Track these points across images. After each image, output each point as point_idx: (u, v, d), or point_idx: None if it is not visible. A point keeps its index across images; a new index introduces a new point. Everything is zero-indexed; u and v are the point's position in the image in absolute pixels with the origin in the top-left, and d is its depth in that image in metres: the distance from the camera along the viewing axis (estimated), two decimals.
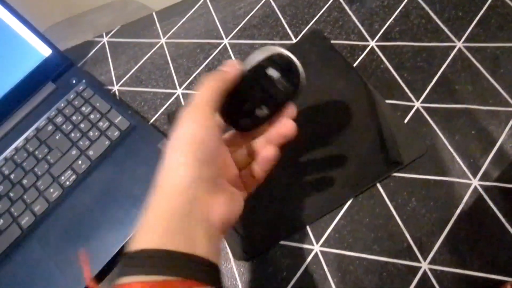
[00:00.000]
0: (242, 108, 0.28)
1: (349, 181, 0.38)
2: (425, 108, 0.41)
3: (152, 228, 0.23)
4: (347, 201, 0.38)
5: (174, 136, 0.25)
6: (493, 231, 0.34)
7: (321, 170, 0.39)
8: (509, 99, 0.39)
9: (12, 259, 0.40)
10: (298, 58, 0.46)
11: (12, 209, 0.42)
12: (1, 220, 0.42)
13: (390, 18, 0.47)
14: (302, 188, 0.38)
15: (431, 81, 0.42)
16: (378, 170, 0.38)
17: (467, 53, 0.43)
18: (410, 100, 0.42)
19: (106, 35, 0.56)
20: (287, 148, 0.40)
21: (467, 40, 0.44)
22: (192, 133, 0.24)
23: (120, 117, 0.46)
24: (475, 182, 0.36)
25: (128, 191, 0.42)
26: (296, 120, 0.42)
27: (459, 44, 0.44)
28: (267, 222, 0.38)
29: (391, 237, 0.35)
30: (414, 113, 0.41)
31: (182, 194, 0.23)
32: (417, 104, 0.41)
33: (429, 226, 0.35)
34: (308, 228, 0.37)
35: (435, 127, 0.40)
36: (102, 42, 0.55)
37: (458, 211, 0.35)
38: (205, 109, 0.25)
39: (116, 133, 0.45)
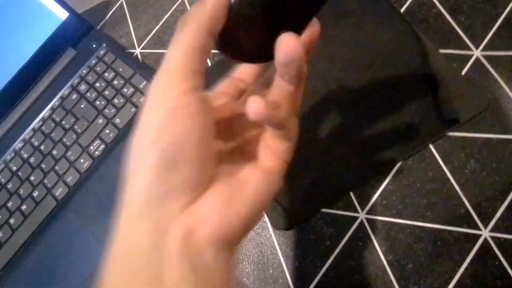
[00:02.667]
0: (251, 30, 0.19)
1: (398, 141, 0.34)
2: (486, 57, 0.35)
3: None
4: (395, 165, 0.34)
5: (136, 132, 0.18)
6: None
7: (366, 129, 0.35)
8: None
9: (49, 231, 0.40)
10: (335, 7, 0.41)
11: (46, 181, 0.42)
12: (37, 192, 0.42)
13: None
14: (345, 150, 0.35)
15: (493, 25, 0.36)
16: (431, 129, 0.34)
17: None
18: (468, 48, 0.36)
19: None
20: (327, 104, 0.38)
21: None
22: (157, 124, 0.17)
23: (145, 82, 0.43)
24: None
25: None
26: (337, 76, 0.38)
27: None
28: (306, 188, 0.35)
29: (447, 202, 0.32)
30: (473, 63, 0.36)
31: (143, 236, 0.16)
32: (477, 53, 0.36)
33: (490, 190, 0.31)
34: (352, 194, 0.34)
35: (498, 78, 0.35)
36: (120, 1, 0.51)
37: None
38: (178, 81, 0.17)
39: (142, 99, 0.43)
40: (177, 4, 0.48)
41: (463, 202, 0.32)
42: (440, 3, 0.38)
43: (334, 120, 0.36)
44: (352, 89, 0.37)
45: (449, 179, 0.33)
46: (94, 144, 0.42)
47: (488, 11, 0.37)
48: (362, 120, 0.36)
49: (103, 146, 0.42)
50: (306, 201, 0.35)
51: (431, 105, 0.34)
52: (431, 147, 0.34)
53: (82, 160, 0.42)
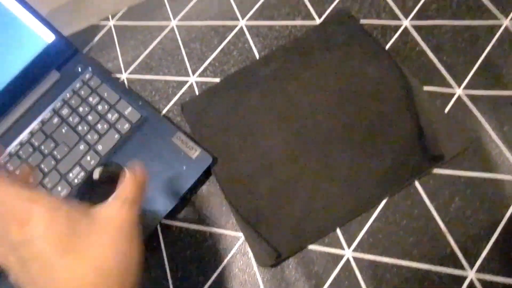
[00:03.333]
0: None
1: (384, 178, 0.34)
2: (468, 96, 0.36)
3: None
4: (381, 201, 0.34)
5: None
6: None
7: (351, 164, 0.35)
8: None
9: None
10: (323, 41, 0.42)
11: None
12: None
13: None
14: (331, 185, 0.35)
15: (474, 65, 0.38)
16: (416, 166, 0.34)
17: None
18: (450, 86, 0.37)
19: (112, 18, 0.51)
20: (313, 138, 0.38)
21: None
22: None
23: (130, 108, 0.43)
24: None
25: None
26: (323, 109, 0.39)
27: (507, 22, 0.39)
28: (293, 224, 0.35)
29: (433, 241, 0.32)
30: (455, 101, 0.36)
31: None
32: (459, 91, 0.37)
33: (475, 229, 0.32)
34: (338, 231, 0.34)
35: (480, 117, 0.35)
36: (108, 26, 0.51)
37: (508, 212, 0.32)
38: None
39: (126, 126, 0.42)
40: (166, 31, 0.48)
41: (449, 242, 0.32)
42: (424, 42, 0.40)
43: (320, 155, 0.36)
44: (337, 123, 0.37)
45: (434, 217, 0.33)
46: (74, 171, 0.41)
47: (469, 51, 0.38)
48: (348, 155, 0.36)
49: (83, 173, 0.40)
50: (293, 237, 0.34)
51: (416, 141, 0.35)
52: (417, 184, 0.34)
53: (59, 188, 0.40)
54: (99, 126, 0.42)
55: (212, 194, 0.38)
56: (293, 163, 0.37)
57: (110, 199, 0.26)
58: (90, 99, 0.44)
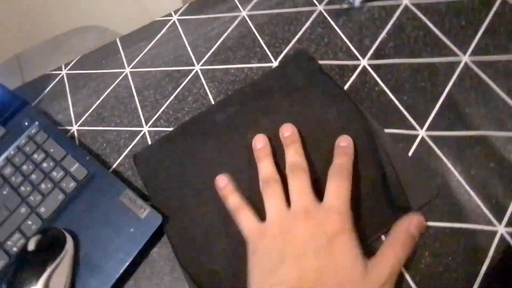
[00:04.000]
0: None
1: None
2: (431, 137, 0.34)
3: None
4: None
5: None
6: None
7: None
8: None
9: None
10: (282, 83, 0.40)
11: None
12: None
13: (382, 32, 0.41)
14: None
15: (436, 104, 0.36)
16: (381, 219, 0.31)
17: (475, 68, 0.37)
18: (413, 128, 0.35)
19: (65, 67, 0.49)
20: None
21: (474, 53, 0.37)
22: None
23: (77, 165, 0.39)
24: (501, 229, 0.30)
25: (86, 258, 0.35)
26: (279, 155, 0.36)
27: (465, 58, 0.37)
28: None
29: None
30: (419, 143, 0.34)
31: None
32: (422, 133, 0.35)
33: None
34: None
35: (445, 160, 0.33)
36: (60, 75, 0.49)
37: (483, 267, 0.29)
38: None
39: (72, 185, 0.38)
40: (119, 78, 0.46)
41: None
42: (383, 81, 0.38)
43: None
44: None
45: (404, 276, 0.29)
46: (13, 239, 0.37)
47: (429, 90, 0.37)
48: None
49: (22, 240, 0.37)
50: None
51: (380, 191, 0.32)
52: (383, 237, 0.31)
53: None
54: (43, 185, 0.39)
55: (163, 258, 0.35)
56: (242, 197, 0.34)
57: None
58: (35, 155, 0.41)
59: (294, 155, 0.34)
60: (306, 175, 0.32)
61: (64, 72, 0.49)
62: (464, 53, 0.38)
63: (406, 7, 0.42)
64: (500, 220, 0.30)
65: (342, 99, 0.37)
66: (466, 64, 0.37)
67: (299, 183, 0.31)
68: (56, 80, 0.49)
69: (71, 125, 0.44)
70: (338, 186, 0.30)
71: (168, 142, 0.40)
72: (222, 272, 0.32)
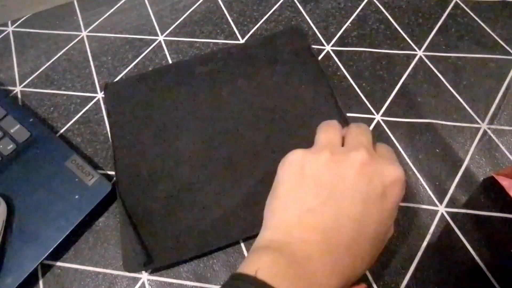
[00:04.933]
0: None
1: None
2: (386, 122, 0.36)
3: None
4: None
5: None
6: (463, 265, 0.29)
7: (260, 186, 0.32)
8: (473, 114, 0.36)
9: None
10: (269, 52, 0.40)
11: None
12: None
13: (347, 21, 0.42)
14: (232, 201, 0.32)
15: (391, 92, 0.38)
16: None
17: (428, 62, 0.39)
18: (370, 112, 0.37)
19: (12, 24, 0.45)
20: (231, 147, 0.34)
21: (428, 49, 0.40)
22: None
23: (18, 126, 0.36)
24: (441, 209, 0.32)
25: (21, 225, 0.32)
26: (249, 121, 0.35)
27: (420, 53, 0.40)
28: (179, 233, 0.31)
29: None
30: (374, 126, 0.36)
31: None
32: (378, 117, 0.36)
33: (392, 261, 0.30)
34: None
35: (397, 144, 0.35)
36: (6, 32, 0.44)
37: (424, 243, 0.30)
38: None
39: (11, 147, 0.35)
40: (74, 41, 0.43)
41: (366, 276, 0.29)
42: (344, 68, 0.39)
43: (231, 167, 0.33)
44: (258, 140, 0.35)
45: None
46: None
47: (386, 79, 0.38)
48: (259, 174, 0.33)
49: None
50: (174, 246, 0.30)
51: None
52: None
53: None
54: None
55: (110, 228, 0.33)
56: (200, 170, 0.34)
57: None
58: None
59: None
60: (369, 134, 0.27)
61: (10, 29, 0.45)
62: (420, 48, 0.40)
63: (370, 0, 0.43)
64: (441, 201, 0.32)
65: (322, 82, 0.37)
66: (420, 58, 0.39)
67: (364, 130, 0.27)
68: (0, 36, 0.44)
69: (15, 85, 0.41)
70: (386, 149, 0.27)
71: (142, 80, 0.39)
72: (156, 211, 0.32)
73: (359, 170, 0.23)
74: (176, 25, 0.43)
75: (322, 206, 0.22)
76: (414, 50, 0.40)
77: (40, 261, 0.30)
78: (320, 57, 0.40)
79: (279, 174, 0.25)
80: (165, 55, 0.41)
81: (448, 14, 0.42)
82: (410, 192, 0.32)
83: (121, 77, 0.40)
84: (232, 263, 0.30)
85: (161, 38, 0.43)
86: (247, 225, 0.31)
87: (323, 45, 0.41)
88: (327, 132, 0.27)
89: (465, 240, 0.30)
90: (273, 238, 0.22)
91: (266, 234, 0.23)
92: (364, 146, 0.24)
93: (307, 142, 0.28)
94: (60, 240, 0.31)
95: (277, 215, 0.24)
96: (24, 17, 0.45)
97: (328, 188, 0.23)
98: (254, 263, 0.20)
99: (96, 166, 0.35)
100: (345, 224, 0.22)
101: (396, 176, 0.23)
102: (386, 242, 0.25)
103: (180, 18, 0.44)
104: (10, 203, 0.32)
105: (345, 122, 0.35)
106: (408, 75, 0.38)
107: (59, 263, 0.31)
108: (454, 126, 0.35)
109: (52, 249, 0.31)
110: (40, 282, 0.31)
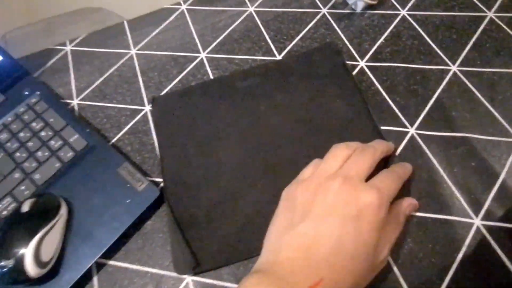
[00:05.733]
0: None
1: None
2: (420, 136, 0.37)
3: None
4: None
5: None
6: (499, 278, 0.30)
7: None
8: (509, 128, 0.36)
9: None
10: (305, 68, 0.42)
11: None
12: None
13: (380, 37, 0.44)
14: (273, 210, 0.33)
15: (425, 106, 0.38)
16: None
17: (463, 77, 0.40)
18: (404, 126, 0.38)
19: (70, 43, 0.50)
20: (270, 157, 0.36)
21: (462, 64, 0.41)
22: None
23: (77, 136, 0.40)
24: (477, 222, 0.32)
25: (79, 225, 0.35)
26: (287, 134, 0.37)
27: (454, 68, 0.40)
28: (224, 238, 0.33)
29: (385, 285, 0.30)
30: (408, 140, 0.37)
31: None
32: (412, 131, 0.37)
33: (428, 272, 0.30)
34: None
35: (431, 157, 0.36)
36: (64, 51, 0.49)
37: (460, 255, 0.31)
38: None
39: (70, 154, 0.39)
40: (124, 58, 0.47)
41: (401, 286, 0.30)
42: (378, 82, 0.41)
43: (270, 177, 0.36)
44: (296, 152, 0.37)
45: (388, 261, 0.31)
46: (4, 202, 0.37)
47: (420, 93, 0.39)
48: None
49: (14, 205, 0.36)
50: (220, 251, 0.33)
51: None
52: None
53: None
54: (39, 153, 0.39)
55: (157, 231, 0.35)
56: (241, 179, 0.36)
57: None
58: (34, 124, 0.41)
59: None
60: (374, 157, 0.31)
61: (68, 48, 0.49)
62: (454, 63, 0.41)
63: (403, 17, 0.45)
64: (477, 214, 0.32)
65: (356, 96, 0.39)
66: (454, 73, 0.40)
67: (362, 157, 0.30)
68: (59, 54, 0.49)
69: (72, 99, 0.45)
70: (386, 176, 0.30)
71: (187, 94, 0.42)
72: (201, 217, 0.34)
73: (336, 196, 0.27)
74: (217, 43, 0.47)
75: (305, 228, 0.26)
76: (448, 65, 0.41)
77: (95, 260, 0.33)
78: (354, 72, 0.42)
79: (278, 206, 0.30)
80: (207, 71, 0.44)
81: (482, 30, 0.42)
82: (445, 205, 0.33)
83: (167, 92, 0.43)
84: None
85: (203, 55, 0.46)
86: None
87: (357, 61, 0.43)
88: (324, 161, 0.31)
89: (502, 253, 0.30)
90: (264, 261, 0.27)
91: (261, 259, 0.28)
92: (342, 176, 0.28)
93: None
94: (113, 240, 0.34)
95: (272, 240, 0.28)
96: (80, 37, 0.50)
97: (311, 212, 0.27)
98: (244, 284, 0.25)
99: (144, 173, 0.38)
100: (324, 243, 0.25)
101: (369, 201, 0.27)
102: (378, 263, 0.27)
103: (220, 36, 0.47)
104: (70, 204, 0.36)
105: (379, 134, 0.37)
106: (442, 90, 0.39)
107: (111, 262, 0.34)
108: (490, 140, 0.36)
109: (106, 248, 0.34)
110: (95, 279, 0.34)
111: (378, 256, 0.27)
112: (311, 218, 0.27)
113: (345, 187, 0.27)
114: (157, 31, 0.49)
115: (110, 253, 0.34)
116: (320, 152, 0.36)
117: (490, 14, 0.44)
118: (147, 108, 0.43)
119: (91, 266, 0.33)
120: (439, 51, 0.42)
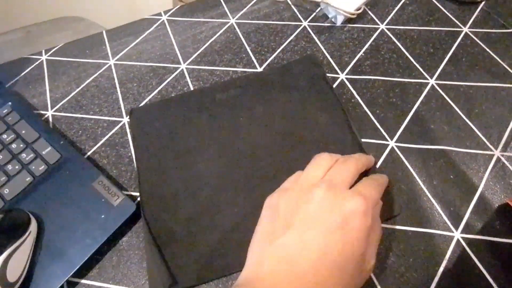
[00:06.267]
0: None
1: None
2: (400, 148, 0.37)
3: None
4: None
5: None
6: None
7: None
8: (486, 141, 0.37)
9: None
10: (286, 80, 0.42)
11: None
12: None
13: (360, 51, 0.44)
14: (252, 224, 0.32)
15: (405, 119, 0.39)
16: None
17: (440, 91, 0.40)
18: (384, 138, 0.38)
19: (46, 52, 0.48)
20: (251, 170, 0.36)
21: (439, 77, 0.41)
22: None
23: (49, 148, 0.38)
24: (457, 235, 0.32)
25: (49, 242, 0.33)
26: (266, 146, 0.37)
27: (432, 81, 0.41)
28: (202, 255, 0.32)
29: None
30: (388, 153, 0.37)
31: None
32: (392, 143, 0.37)
33: (409, 287, 0.30)
34: None
35: (411, 170, 0.36)
36: (40, 60, 0.48)
37: (441, 269, 0.31)
38: None
39: (42, 167, 0.37)
40: (102, 69, 0.46)
41: None
42: (359, 95, 0.41)
43: (250, 191, 0.35)
44: (276, 164, 0.36)
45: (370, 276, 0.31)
46: None
47: (400, 106, 0.40)
48: None
49: None
50: (197, 268, 0.32)
51: None
52: None
53: None
54: (9, 166, 0.37)
55: (132, 247, 0.34)
56: (220, 192, 0.35)
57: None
58: (4, 136, 0.39)
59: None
60: (357, 167, 0.30)
61: (44, 57, 0.48)
62: (431, 76, 0.41)
63: (382, 31, 0.46)
64: (456, 227, 0.33)
65: (337, 108, 0.39)
66: (432, 86, 0.41)
67: (345, 167, 0.30)
68: (34, 64, 0.48)
69: (47, 110, 0.43)
70: (369, 184, 0.30)
71: (165, 106, 0.41)
72: (178, 233, 0.33)
73: (320, 204, 0.26)
74: (198, 54, 0.46)
75: (289, 239, 0.25)
76: (426, 78, 0.41)
77: (66, 279, 0.32)
78: (335, 85, 0.42)
79: (261, 215, 0.29)
80: (187, 82, 0.44)
81: (458, 44, 0.43)
82: (425, 218, 0.33)
83: (145, 103, 0.42)
84: None
85: (183, 66, 0.45)
86: None
87: (337, 73, 0.43)
88: (307, 170, 0.31)
89: (481, 266, 0.30)
90: (248, 274, 0.26)
91: (244, 271, 0.26)
92: (326, 183, 0.27)
93: None
94: (86, 258, 0.32)
95: (255, 252, 0.27)
96: (57, 47, 0.49)
97: (294, 222, 0.26)
98: None
99: (121, 187, 0.37)
100: (308, 253, 0.25)
101: (354, 208, 0.26)
102: (367, 271, 0.27)
103: (201, 47, 0.47)
104: (40, 221, 0.34)
105: (359, 147, 0.37)
106: (421, 102, 0.40)
107: (83, 281, 0.33)
108: (468, 153, 0.36)
109: (78, 267, 0.32)
110: None
111: (366, 265, 0.26)
112: (295, 228, 0.26)
113: (329, 195, 0.27)
114: (136, 41, 0.49)
115: (82, 271, 0.33)
116: (301, 164, 0.35)
117: (465, 30, 0.45)
118: (125, 119, 0.42)
119: (62, 285, 0.32)
120: (417, 65, 0.42)
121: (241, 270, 0.28)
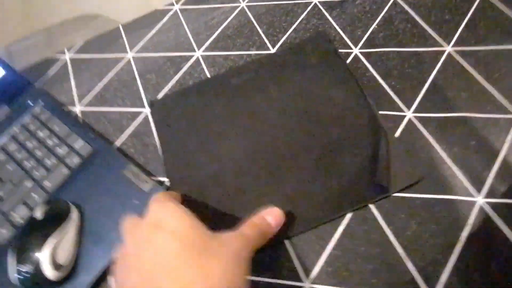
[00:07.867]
0: None
1: (326, 204, 0.34)
2: (418, 118, 0.37)
3: None
4: (321, 222, 0.33)
5: None
6: (505, 254, 0.30)
7: (300, 186, 0.35)
8: (507, 104, 0.36)
9: None
10: (297, 59, 0.43)
11: None
12: None
13: (373, 23, 0.44)
14: (276, 203, 0.34)
15: (422, 89, 0.39)
16: (359, 194, 0.34)
17: (458, 57, 0.40)
18: (400, 110, 0.38)
19: (68, 51, 0.51)
20: (267, 155, 0.37)
21: (456, 44, 0.41)
22: None
23: (81, 142, 0.41)
24: (480, 200, 0.32)
25: (91, 228, 0.36)
26: (284, 126, 0.38)
27: (449, 49, 0.40)
28: None
29: (392, 268, 0.31)
30: (406, 124, 0.37)
31: None
32: (409, 114, 0.37)
33: (433, 253, 0.31)
34: (295, 261, 0.32)
35: (430, 139, 0.36)
36: (63, 59, 0.50)
37: (464, 234, 0.31)
38: None
39: (77, 160, 0.40)
40: (122, 63, 0.48)
41: (408, 268, 0.31)
42: (373, 68, 0.41)
43: (272, 170, 0.36)
44: (295, 142, 0.37)
45: (392, 243, 0.32)
46: (18, 211, 0.38)
47: (416, 76, 0.40)
48: (298, 175, 0.35)
49: (27, 212, 0.38)
50: None
51: (368, 169, 0.35)
52: (373, 208, 0.33)
53: (1, 230, 0.37)
54: (47, 161, 0.40)
55: None
56: (243, 175, 0.37)
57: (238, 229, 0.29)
58: (40, 133, 0.42)
59: None
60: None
61: (67, 56, 0.50)
62: (448, 43, 0.41)
63: (395, 1, 0.45)
64: (479, 192, 0.33)
65: (350, 83, 0.40)
66: (449, 53, 0.40)
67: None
68: (59, 63, 0.50)
69: (74, 105, 0.46)
70: None
71: (184, 95, 0.43)
72: (208, 220, 0.32)
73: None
74: (211, 41, 0.47)
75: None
76: (442, 46, 0.41)
77: (109, 261, 0.34)
78: (348, 60, 0.42)
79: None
80: (203, 69, 0.45)
81: (475, 9, 0.42)
82: (446, 185, 0.33)
83: (164, 94, 0.44)
84: (275, 258, 0.33)
85: (198, 53, 0.46)
86: (289, 226, 0.33)
87: (350, 48, 0.43)
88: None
89: (506, 229, 0.31)
90: None
91: None
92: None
93: (339, 140, 0.35)
94: None
95: None
96: (78, 45, 0.51)
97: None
98: None
99: (149, 174, 0.39)
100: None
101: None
102: None
103: (214, 33, 0.48)
104: (81, 209, 0.37)
105: (375, 119, 0.37)
106: (438, 71, 0.39)
107: None
108: (488, 118, 0.36)
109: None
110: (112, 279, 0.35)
111: (220, 249, 0.27)
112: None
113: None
114: (152, 33, 0.50)
115: None
116: (319, 140, 0.37)
117: None
118: (147, 110, 0.44)
119: (106, 266, 0.34)
120: (432, 33, 0.42)
121: (263, 249, 0.29)
